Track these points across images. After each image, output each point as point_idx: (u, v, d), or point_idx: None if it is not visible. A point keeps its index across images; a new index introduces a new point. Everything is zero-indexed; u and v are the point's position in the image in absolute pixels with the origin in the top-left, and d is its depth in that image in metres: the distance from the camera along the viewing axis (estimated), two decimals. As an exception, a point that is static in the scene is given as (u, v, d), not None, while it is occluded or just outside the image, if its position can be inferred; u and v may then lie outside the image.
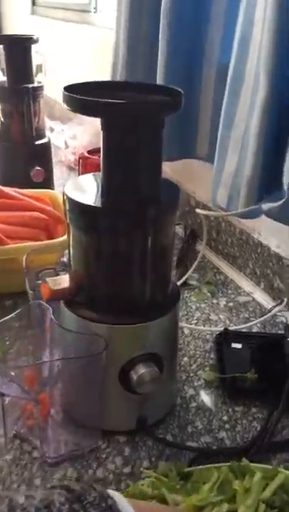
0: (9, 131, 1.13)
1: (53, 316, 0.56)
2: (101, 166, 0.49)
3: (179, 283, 0.88)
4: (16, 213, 0.84)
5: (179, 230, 1.05)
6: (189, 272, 0.89)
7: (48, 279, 0.55)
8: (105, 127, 0.47)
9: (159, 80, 0.87)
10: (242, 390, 0.64)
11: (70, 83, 0.47)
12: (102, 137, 0.47)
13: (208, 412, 0.62)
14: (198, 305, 0.84)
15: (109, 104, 0.44)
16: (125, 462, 0.55)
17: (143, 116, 0.45)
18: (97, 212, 0.49)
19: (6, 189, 0.88)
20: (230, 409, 0.63)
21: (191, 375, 0.68)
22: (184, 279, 0.88)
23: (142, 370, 0.53)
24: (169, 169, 1.14)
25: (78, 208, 0.49)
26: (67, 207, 0.51)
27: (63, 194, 0.51)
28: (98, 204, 0.49)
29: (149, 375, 0.54)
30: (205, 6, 0.83)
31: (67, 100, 0.45)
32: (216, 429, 0.60)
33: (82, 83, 0.49)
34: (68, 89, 0.46)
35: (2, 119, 1.17)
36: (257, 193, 0.68)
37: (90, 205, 0.49)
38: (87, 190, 0.52)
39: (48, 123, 1.54)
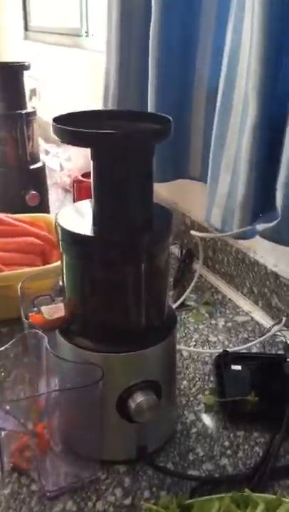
0: (4, 157, 1.14)
1: (48, 345, 0.55)
2: (92, 194, 0.49)
3: (176, 304, 0.87)
4: (10, 239, 0.84)
5: (175, 249, 1.05)
6: (187, 293, 0.88)
7: (42, 308, 0.54)
8: (95, 157, 0.47)
9: (150, 106, 0.88)
10: (243, 414, 0.64)
11: (59, 114, 0.47)
12: (92, 167, 0.47)
13: (209, 438, 0.61)
14: (196, 326, 0.83)
15: (98, 135, 0.44)
16: (125, 493, 0.54)
17: (133, 145, 0.45)
18: (89, 242, 0.49)
19: (0, 215, 0.88)
20: (231, 434, 0.62)
21: (191, 399, 0.67)
22: (181, 300, 0.88)
23: (139, 398, 0.53)
24: (163, 189, 1.15)
25: (70, 237, 0.49)
26: (60, 236, 0.50)
27: (55, 223, 0.51)
28: (90, 233, 0.49)
29: (147, 403, 0.53)
30: (192, 36, 0.84)
31: (57, 132, 0.45)
32: (218, 455, 0.59)
33: (71, 113, 0.49)
34: (57, 120, 0.46)
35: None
36: (251, 213, 0.67)
37: (81, 234, 0.49)
38: (80, 218, 0.52)
39: (43, 145, 1.55)
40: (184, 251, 1.02)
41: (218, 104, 0.70)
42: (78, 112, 0.50)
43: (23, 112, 1.13)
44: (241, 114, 0.68)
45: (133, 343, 0.53)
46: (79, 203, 0.56)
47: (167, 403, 0.58)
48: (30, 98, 1.89)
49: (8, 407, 0.48)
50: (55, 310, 0.54)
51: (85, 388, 0.51)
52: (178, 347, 0.76)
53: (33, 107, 1.19)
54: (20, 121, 1.13)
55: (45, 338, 0.56)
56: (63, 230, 0.49)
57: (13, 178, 1.14)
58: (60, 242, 0.51)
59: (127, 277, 0.50)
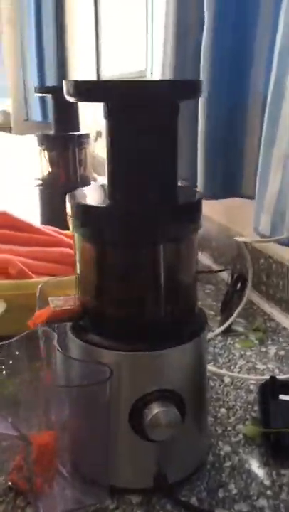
0: (54, 178, 1.12)
1: (56, 343, 0.48)
2: (106, 163, 0.43)
3: (221, 328, 0.78)
4: (48, 249, 0.79)
5: (225, 275, 0.96)
6: (234, 316, 0.79)
7: (50, 298, 0.48)
8: (110, 113, 0.41)
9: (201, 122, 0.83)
10: (290, 449, 0.52)
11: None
12: (106, 127, 0.42)
13: (245, 474, 0.50)
14: (242, 352, 0.73)
15: (113, 84, 0.38)
16: (135, 529, 0.44)
17: (152, 96, 0.39)
18: (102, 213, 0.42)
19: (41, 226, 0.85)
20: (274, 472, 0.50)
21: (229, 428, 0.57)
22: (227, 323, 0.78)
23: (156, 409, 0.44)
24: (214, 211, 1.08)
25: (82, 211, 0.43)
26: (70, 212, 0.44)
27: (67, 201, 0.45)
28: (103, 204, 0.43)
29: (165, 416, 0.44)
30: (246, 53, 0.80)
31: (69, 88, 0.40)
32: (255, 495, 0.48)
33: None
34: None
35: (50, 168, 1.17)
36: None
37: (94, 206, 0.43)
38: (95, 194, 0.46)
39: (93, 174, 1.54)
40: (234, 276, 0.93)
41: (269, 95, 0.63)
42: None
43: (76, 133, 1.12)
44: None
45: (150, 342, 0.45)
46: (93, 185, 0.50)
47: (194, 425, 0.49)
48: (96, 139, 1.92)
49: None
50: (64, 301, 0.47)
51: (90, 389, 0.43)
52: (219, 371, 0.67)
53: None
54: (73, 143, 1.12)
55: (55, 335, 0.49)
56: (74, 203, 0.44)
57: (61, 198, 1.11)
58: (72, 221, 0.45)
59: (144, 259, 0.43)
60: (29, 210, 1.10)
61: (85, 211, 0.43)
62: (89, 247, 0.45)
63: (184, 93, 0.40)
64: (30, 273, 0.74)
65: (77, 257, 0.47)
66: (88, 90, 0.40)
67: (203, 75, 0.86)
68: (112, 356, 0.44)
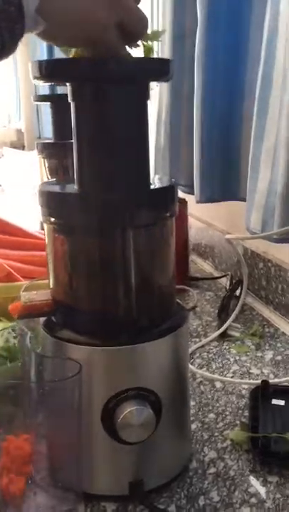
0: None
1: (29, 341, 0.46)
2: (74, 149, 0.42)
3: (217, 333, 0.75)
4: (35, 253, 0.78)
5: (224, 280, 0.94)
6: (229, 321, 0.76)
7: (22, 293, 0.46)
8: (76, 94, 0.39)
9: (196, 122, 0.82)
10: (279, 455, 0.49)
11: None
12: (72, 110, 0.40)
13: (230, 482, 0.47)
14: (237, 357, 0.70)
15: (80, 62, 0.37)
16: (107, 537, 0.41)
17: (119, 74, 0.37)
18: (70, 199, 0.41)
19: (33, 230, 0.83)
20: (260, 479, 0.47)
21: (216, 434, 0.54)
22: (223, 328, 0.75)
23: (128, 408, 0.41)
24: (212, 217, 1.06)
25: (50, 199, 0.42)
26: (40, 202, 0.43)
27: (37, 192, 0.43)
28: (71, 191, 0.41)
29: (138, 416, 0.41)
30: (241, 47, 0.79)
31: (36, 68, 0.39)
32: (238, 502, 0.44)
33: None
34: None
35: (50, 176, 1.16)
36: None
37: (61, 193, 0.41)
38: (65, 184, 0.45)
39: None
40: (233, 281, 0.90)
41: (257, 89, 0.62)
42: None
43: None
44: (280, 99, 0.59)
45: (123, 337, 0.42)
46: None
47: (174, 428, 0.46)
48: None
49: None
50: (36, 296, 0.45)
51: (59, 387, 0.41)
52: (211, 376, 0.64)
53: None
54: (72, 150, 1.11)
55: (28, 332, 0.47)
56: (41, 192, 0.42)
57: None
58: (41, 210, 0.43)
59: (114, 246, 0.41)
60: (32, 217, 1.09)
61: (52, 199, 0.41)
62: (58, 236, 0.43)
63: (152, 72, 0.39)
64: (19, 276, 0.72)
65: (48, 250, 0.45)
66: (51, 70, 0.38)
67: (198, 77, 0.85)
68: (83, 352, 0.42)
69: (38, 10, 0.33)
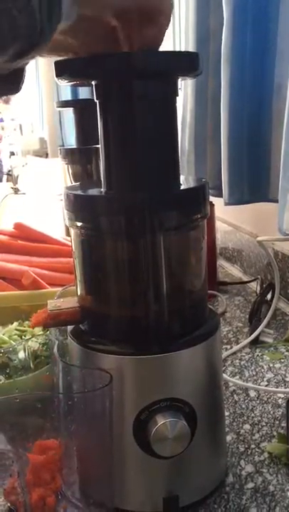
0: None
1: (56, 350, 0.44)
2: (101, 150, 0.40)
3: (249, 339, 0.72)
4: (60, 259, 0.77)
5: (253, 285, 0.91)
6: (262, 326, 0.73)
7: (49, 301, 0.44)
8: (101, 93, 0.37)
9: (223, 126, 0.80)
10: None
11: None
12: (99, 110, 0.38)
13: (269, 497, 0.44)
14: (271, 365, 0.67)
15: (103, 59, 0.35)
16: None
17: (148, 69, 0.35)
18: (98, 202, 0.39)
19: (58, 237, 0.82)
20: (302, 496, 0.44)
21: (252, 446, 0.51)
22: (255, 334, 0.72)
23: (162, 420, 0.39)
24: (240, 220, 1.03)
25: (77, 202, 0.40)
26: (66, 206, 0.41)
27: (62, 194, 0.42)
28: (98, 193, 0.39)
29: (173, 429, 0.39)
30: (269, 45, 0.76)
31: (59, 67, 0.38)
32: (280, 521, 0.42)
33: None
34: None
35: (73, 181, 1.16)
36: None
37: (88, 196, 0.39)
38: (90, 187, 0.43)
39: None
40: (263, 285, 0.88)
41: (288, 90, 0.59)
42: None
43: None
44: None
45: (155, 345, 0.40)
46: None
47: (209, 441, 0.44)
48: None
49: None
50: (62, 303, 0.44)
51: (89, 398, 0.39)
52: (244, 384, 0.61)
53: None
54: (96, 155, 1.10)
55: (56, 342, 0.45)
56: (68, 196, 0.40)
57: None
58: (66, 214, 0.41)
59: (145, 250, 0.39)
60: (56, 223, 1.09)
61: (79, 202, 0.40)
62: (85, 241, 0.41)
63: (182, 65, 0.37)
64: (45, 283, 0.71)
65: (75, 255, 0.43)
66: (77, 68, 0.37)
67: (224, 76, 0.83)
68: (113, 361, 0.40)
69: None
